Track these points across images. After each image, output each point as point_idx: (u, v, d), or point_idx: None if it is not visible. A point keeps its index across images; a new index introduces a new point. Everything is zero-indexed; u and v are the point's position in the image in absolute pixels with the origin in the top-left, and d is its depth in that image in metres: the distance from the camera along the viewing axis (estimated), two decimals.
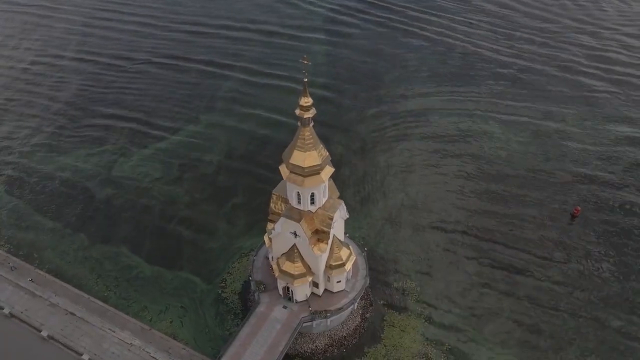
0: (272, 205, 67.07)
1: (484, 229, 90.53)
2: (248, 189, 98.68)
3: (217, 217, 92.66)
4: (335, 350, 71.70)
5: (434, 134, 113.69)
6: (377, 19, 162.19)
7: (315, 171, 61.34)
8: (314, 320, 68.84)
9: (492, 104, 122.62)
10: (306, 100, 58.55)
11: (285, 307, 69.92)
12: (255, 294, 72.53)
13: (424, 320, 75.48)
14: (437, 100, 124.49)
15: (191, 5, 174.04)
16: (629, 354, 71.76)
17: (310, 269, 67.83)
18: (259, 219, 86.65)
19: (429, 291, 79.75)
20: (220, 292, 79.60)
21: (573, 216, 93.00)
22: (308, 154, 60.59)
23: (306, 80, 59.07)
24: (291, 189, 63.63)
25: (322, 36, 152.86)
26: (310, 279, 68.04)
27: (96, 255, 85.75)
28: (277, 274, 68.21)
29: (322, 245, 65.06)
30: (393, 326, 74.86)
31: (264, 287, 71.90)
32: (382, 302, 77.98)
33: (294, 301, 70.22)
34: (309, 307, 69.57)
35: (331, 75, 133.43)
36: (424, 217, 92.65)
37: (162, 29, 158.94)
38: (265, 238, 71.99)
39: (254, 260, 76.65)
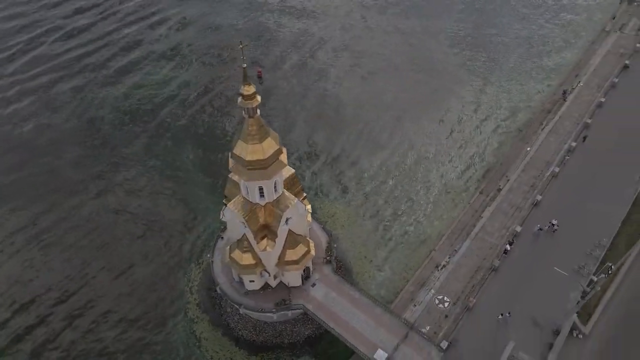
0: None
1: None
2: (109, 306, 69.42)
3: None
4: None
5: None
6: None
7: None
8: (332, 261, 68.15)
9: None
10: (247, 89, 49.65)
11: (314, 285, 65.51)
12: (290, 311, 63.79)
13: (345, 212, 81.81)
14: None
15: None
16: None
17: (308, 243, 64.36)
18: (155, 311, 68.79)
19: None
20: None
21: (259, 77, 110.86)
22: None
23: (245, 66, 49.87)
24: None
25: None
26: (312, 245, 65.23)
27: None
28: (299, 264, 61.79)
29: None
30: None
31: (288, 299, 63.93)
32: None
33: (311, 274, 66.56)
34: (324, 257, 68.19)
35: None
36: None
37: None
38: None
39: (242, 309, 63.87)
